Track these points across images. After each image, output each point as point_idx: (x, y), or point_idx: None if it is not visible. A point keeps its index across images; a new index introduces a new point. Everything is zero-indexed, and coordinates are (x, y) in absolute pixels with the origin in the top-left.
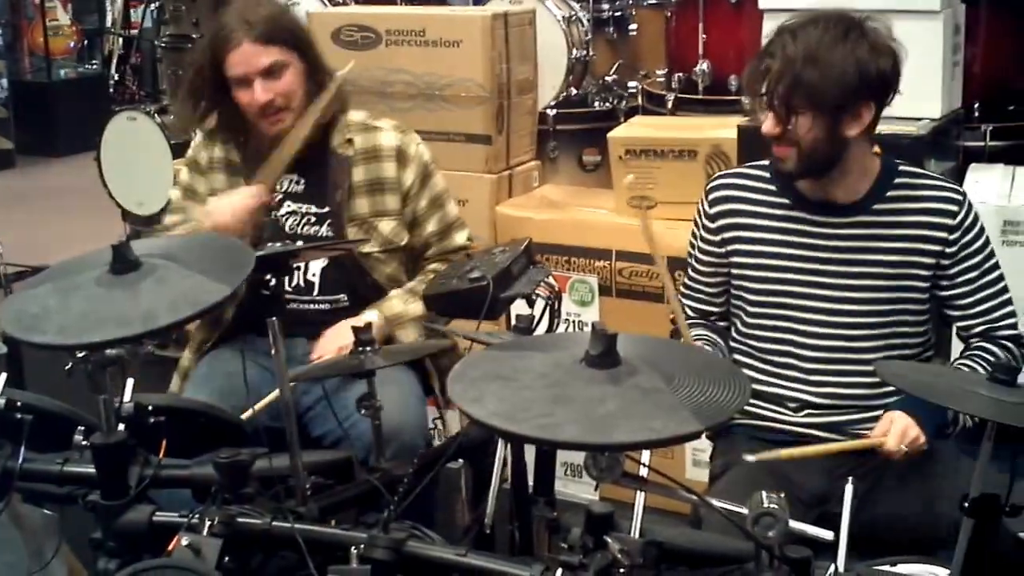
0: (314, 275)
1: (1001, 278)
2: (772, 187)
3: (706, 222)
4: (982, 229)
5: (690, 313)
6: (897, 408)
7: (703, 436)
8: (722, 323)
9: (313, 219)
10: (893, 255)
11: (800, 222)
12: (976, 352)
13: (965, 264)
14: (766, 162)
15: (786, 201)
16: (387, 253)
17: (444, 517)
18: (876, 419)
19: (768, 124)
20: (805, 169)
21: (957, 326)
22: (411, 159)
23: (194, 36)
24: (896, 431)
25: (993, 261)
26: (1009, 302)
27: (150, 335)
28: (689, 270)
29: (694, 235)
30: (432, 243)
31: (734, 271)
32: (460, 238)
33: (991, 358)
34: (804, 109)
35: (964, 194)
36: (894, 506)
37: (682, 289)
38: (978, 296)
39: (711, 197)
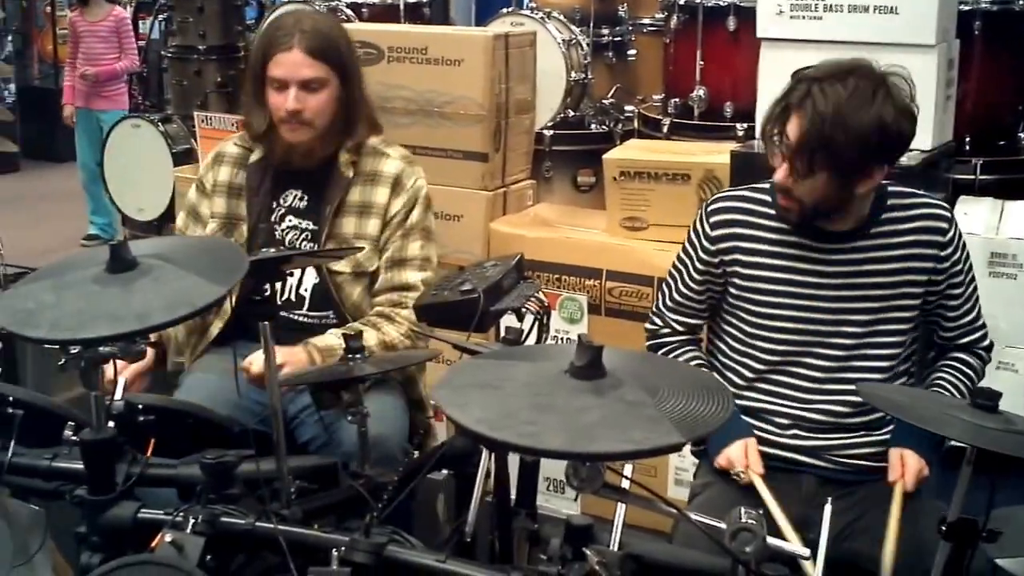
0: (306, 290)
1: (977, 290)
2: (772, 211)
3: (705, 243)
4: (965, 244)
5: (678, 328)
6: (896, 444)
7: (688, 453)
8: (701, 337)
9: (309, 235)
10: (889, 276)
11: (799, 247)
12: (954, 362)
13: (955, 280)
14: (766, 185)
15: (786, 226)
16: (355, 276)
17: (426, 526)
18: (858, 444)
19: (781, 175)
20: (808, 220)
21: (939, 336)
22: (405, 189)
23: (200, 47)
24: (911, 471)
25: (972, 274)
26: (981, 313)
27: (143, 333)
28: (678, 285)
29: (687, 252)
30: (382, 270)
31: (732, 290)
32: (411, 276)
33: (969, 371)
34: (822, 169)
35: (951, 210)
36: (877, 541)
37: (668, 304)
38: (963, 309)
39: (712, 220)
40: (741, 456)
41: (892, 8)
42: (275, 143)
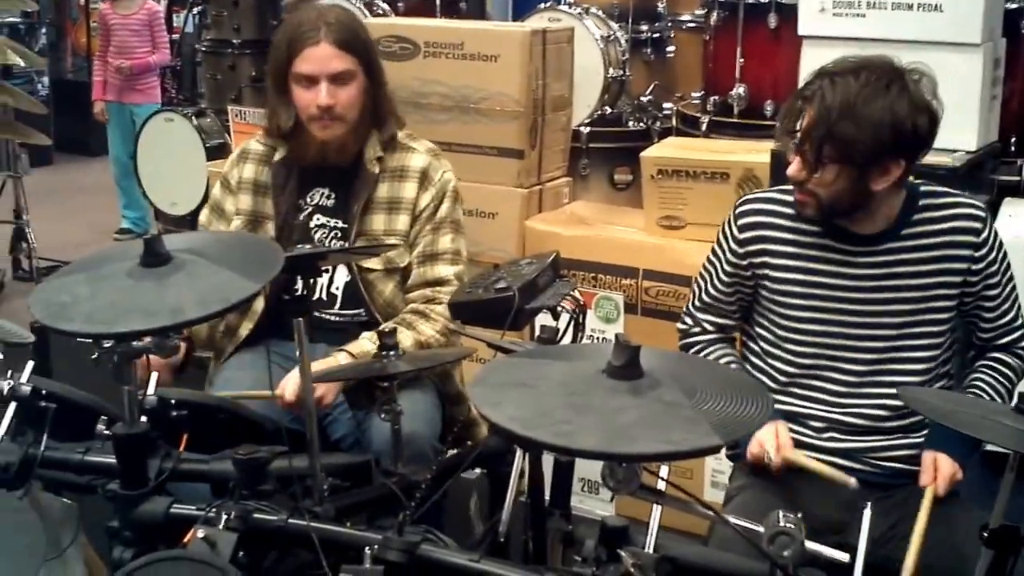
0: (337, 288)
1: (1015, 289)
2: None
3: (734, 246)
4: (1001, 243)
5: (708, 328)
6: (930, 447)
7: (724, 456)
8: (734, 336)
9: (339, 234)
10: (922, 278)
11: (830, 250)
12: (993, 362)
13: (991, 280)
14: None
15: (815, 228)
16: (387, 273)
17: (459, 526)
18: (895, 447)
19: (794, 168)
20: (825, 216)
21: (978, 336)
22: (433, 183)
23: (234, 41)
24: (943, 476)
25: (1010, 273)
26: (1021, 312)
27: (177, 328)
28: (707, 286)
29: (716, 254)
30: (414, 265)
31: (762, 292)
32: (443, 270)
33: (1007, 371)
34: (832, 161)
35: (986, 210)
36: None
37: (698, 304)
38: (1001, 309)
39: (740, 222)
40: (772, 438)
41: (937, 6)
42: (306, 142)
